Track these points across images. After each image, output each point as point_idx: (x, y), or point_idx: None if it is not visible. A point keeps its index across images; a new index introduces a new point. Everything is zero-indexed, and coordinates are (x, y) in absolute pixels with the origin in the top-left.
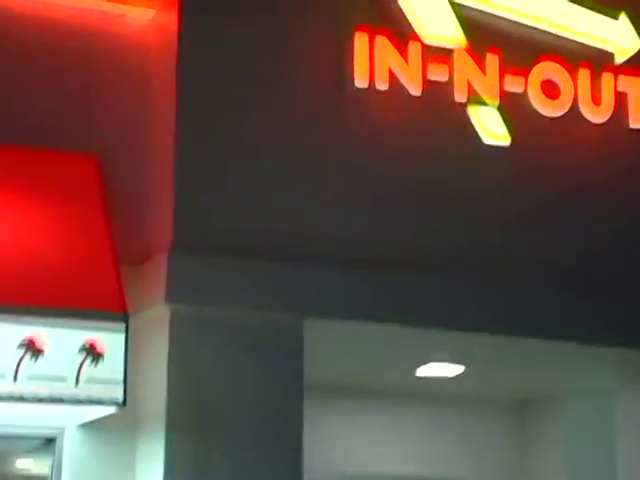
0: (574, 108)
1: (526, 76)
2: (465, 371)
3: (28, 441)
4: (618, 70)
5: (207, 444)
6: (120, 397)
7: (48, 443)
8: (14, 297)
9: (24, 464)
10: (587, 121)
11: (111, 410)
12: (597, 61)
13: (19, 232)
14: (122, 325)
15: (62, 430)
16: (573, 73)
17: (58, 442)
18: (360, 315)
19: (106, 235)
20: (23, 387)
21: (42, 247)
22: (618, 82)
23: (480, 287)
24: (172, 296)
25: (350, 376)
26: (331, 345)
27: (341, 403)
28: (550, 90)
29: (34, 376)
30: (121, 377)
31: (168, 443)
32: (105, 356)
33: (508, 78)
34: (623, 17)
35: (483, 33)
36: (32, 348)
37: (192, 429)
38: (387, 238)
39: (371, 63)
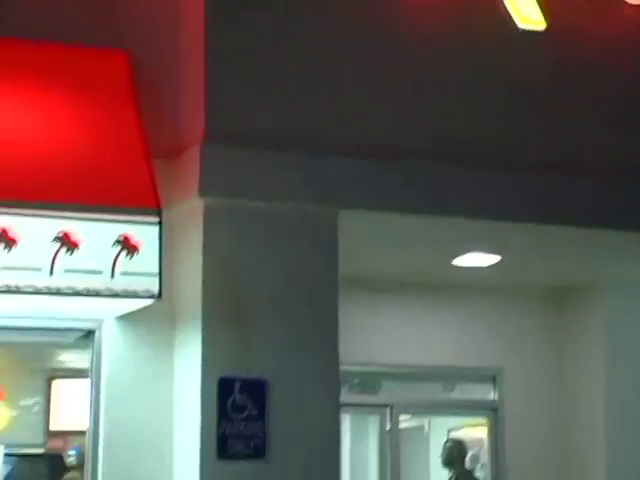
0: None
1: None
2: (501, 261)
3: (68, 334)
4: None
5: (243, 333)
6: (155, 289)
7: (87, 336)
8: (48, 192)
9: (65, 357)
10: (624, 2)
11: (147, 302)
12: None
13: (51, 128)
14: (156, 218)
15: (100, 323)
16: None
17: (97, 335)
18: (394, 206)
19: (138, 129)
20: (59, 281)
21: (75, 143)
22: None
23: (514, 175)
24: (205, 189)
25: (385, 268)
26: (366, 237)
27: (376, 295)
28: None
29: (70, 270)
30: (156, 270)
31: (205, 333)
32: (140, 249)
33: None
34: None
35: None
36: (67, 242)
37: (228, 319)
38: (421, 128)
39: None
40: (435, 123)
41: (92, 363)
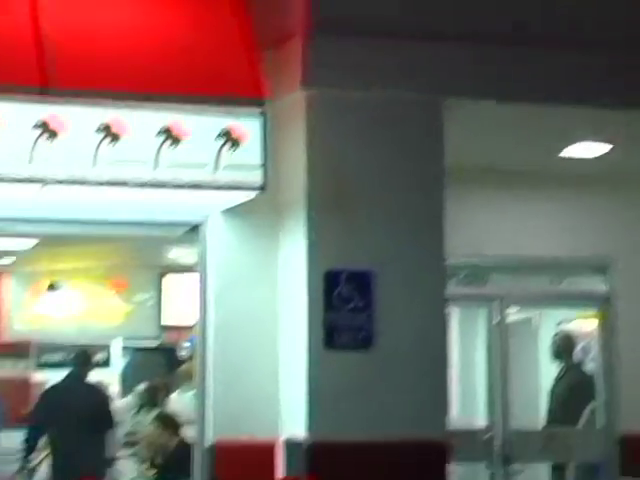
0: None
1: None
2: (611, 150)
3: (174, 228)
4: None
5: (348, 224)
6: (259, 182)
7: (194, 230)
8: (152, 84)
9: (175, 253)
10: None
11: (251, 195)
12: None
13: (155, 21)
14: (260, 110)
15: (206, 216)
16: None
17: (203, 228)
18: (502, 94)
19: (243, 19)
20: (164, 174)
21: (179, 34)
22: None
23: (624, 61)
24: (308, 80)
25: (492, 159)
26: (472, 126)
27: (483, 185)
28: None
29: (174, 163)
30: (260, 162)
31: (310, 225)
32: (243, 142)
33: None
34: None
35: None
36: (171, 135)
37: (333, 211)
38: (526, 14)
39: None
40: (538, 10)
41: (199, 257)
